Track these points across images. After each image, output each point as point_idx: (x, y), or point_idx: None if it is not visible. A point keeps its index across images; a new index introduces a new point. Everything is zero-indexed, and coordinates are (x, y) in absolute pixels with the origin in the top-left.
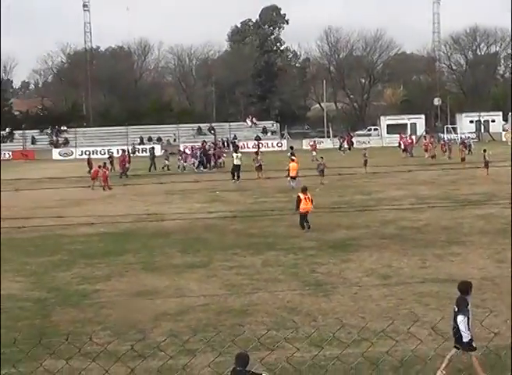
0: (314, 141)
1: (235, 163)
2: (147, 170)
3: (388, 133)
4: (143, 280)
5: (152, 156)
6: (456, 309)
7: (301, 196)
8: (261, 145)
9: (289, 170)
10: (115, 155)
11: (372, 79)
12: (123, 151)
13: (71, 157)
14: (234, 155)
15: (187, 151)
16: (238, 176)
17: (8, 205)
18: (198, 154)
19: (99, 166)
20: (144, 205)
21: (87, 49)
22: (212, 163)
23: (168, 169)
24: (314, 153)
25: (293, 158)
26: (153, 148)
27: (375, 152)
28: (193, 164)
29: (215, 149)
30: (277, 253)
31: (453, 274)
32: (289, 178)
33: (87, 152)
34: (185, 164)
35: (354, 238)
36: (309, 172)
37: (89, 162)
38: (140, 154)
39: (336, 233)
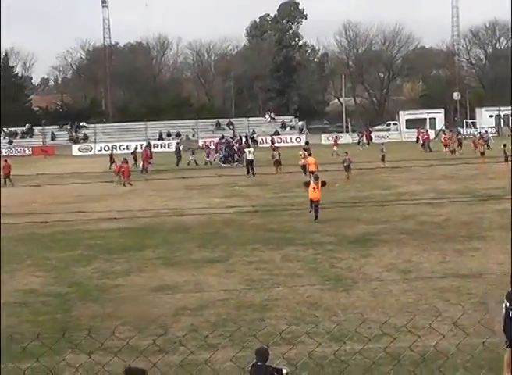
0: (336, 136)
1: (248, 158)
2: (167, 165)
3: (407, 127)
4: (162, 275)
5: (178, 151)
6: (508, 304)
7: (311, 184)
8: (278, 140)
9: (309, 165)
10: (136, 150)
11: (391, 73)
12: (146, 146)
13: (90, 152)
14: (247, 150)
15: (211, 146)
16: (252, 170)
17: (28, 201)
18: (223, 149)
19: (122, 162)
20: (163, 200)
21: (106, 45)
22: (237, 158)
23: (190, 164)
24: (335, 148)
25: (305, 152)
26: (178, 142)
27: (394, 147)
28: (215, 159)
29: (240, 144)
30: (296, 248)
31: (474, 269)
32: (307, 173)
33: (106, 148)
34: (208, 159)
35: (374, 233)
36: (329, 167)
37: (111, 157)
38: (159, 149)
39: (355, 228)
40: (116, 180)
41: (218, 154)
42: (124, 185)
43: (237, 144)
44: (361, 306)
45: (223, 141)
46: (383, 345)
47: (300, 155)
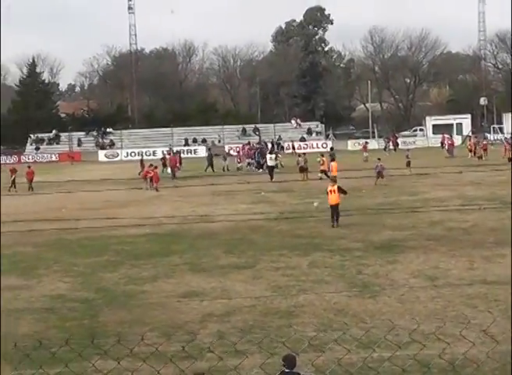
0: (366, 142)
1: (269, 164)
2: (194, 172)
3: (433, 133)
4: (189, 281)
5: (210, 157)
6: None
7: (328, 188)
8: (304, 146)
9: (331, 170)
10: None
11: (417, 79)
12: (176, 152)
13: (117, 159)
14: (268, 156)
15: (242, 151)
16: (271, 177)
17: (56, 207)
18: (256, 154)
19: (148, 167)
20: (190, 206)
21: (132, 51)
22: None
23: (225, 170)
24: (365, 154)
25: (323, 158)
26: (210, 148)
27: (420, 153)
28: (249, 164)
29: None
30: (323, 254)
31: (502, 276)
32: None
33: (133, 154)
34: (239, 165)
35: (401, 239)
36: (358, 173)
37: (141, 163)
38: (184, 155)
39: (382, 235)
40: (145, 186)
41: (249, 160)
42: (157, 190)
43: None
44: (389, 313)
45: (256, 146)
46: (412, 352)
47: (319, 161)
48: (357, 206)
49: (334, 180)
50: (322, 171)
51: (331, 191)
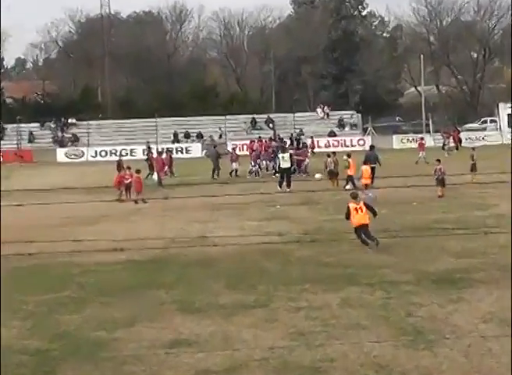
0: (422, 138)
1: (282, 166)
2: (185, 177)
3: (510, 126)
4: (179, 326)
5: (216, 157)
6: None
7: (351, 206)
8: (334, 143)
9: (361, 176)
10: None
11: (488, 53)
12: (166, 151)
13: (81, 159)
14: (280, 155)
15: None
16: (289, 184)
17: None
18: (275, 155)
19: (127, 168)
20: (180, 225)
21: (103, 15)
22: (295, 167)
23: (232, 175)
24: (420, 154)
25: (349, 160)
26: (215, 146)
27: (492, 153)
28: (267, 168)
29: (297, 149)
30: (360, 289)
31: None
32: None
33: (104, 153)
34: (253, 169)
35: (466, 270)
36: (406, 180)
37: (119, 165)
38: (174, 155)
39: (440, 263)
40: (119, 196)
41: (265, 162)
42: (135, 202)
43: (294, 150)
44: (451, 370)
45: (273, 144)
46: None
47: (345, 159)
48: (405, 224)
49: (354, 196)
50: (348, 177)
51: (357, 210)
